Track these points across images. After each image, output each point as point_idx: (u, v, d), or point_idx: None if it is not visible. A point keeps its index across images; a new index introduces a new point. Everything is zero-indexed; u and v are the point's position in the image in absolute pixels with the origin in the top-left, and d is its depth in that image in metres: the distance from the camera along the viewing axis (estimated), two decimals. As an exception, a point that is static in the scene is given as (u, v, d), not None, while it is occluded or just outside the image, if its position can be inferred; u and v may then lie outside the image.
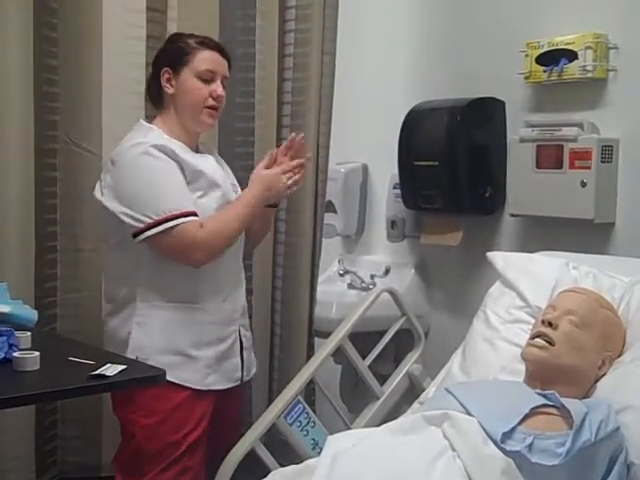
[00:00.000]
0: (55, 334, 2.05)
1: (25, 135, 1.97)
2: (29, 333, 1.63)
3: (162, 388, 1.75)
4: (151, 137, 1.86)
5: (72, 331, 2.07)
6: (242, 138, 2.38)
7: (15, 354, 1.50)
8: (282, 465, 1.77)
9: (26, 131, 1.97)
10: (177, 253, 1.84)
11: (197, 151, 1.99)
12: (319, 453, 1.63)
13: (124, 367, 1.50)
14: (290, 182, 1.96)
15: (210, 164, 1.95)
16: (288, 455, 1.87)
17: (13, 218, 1.96)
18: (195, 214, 1.83)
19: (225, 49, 1.98)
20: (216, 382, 1.92)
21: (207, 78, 1.91)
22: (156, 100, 1.97)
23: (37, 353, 1.51)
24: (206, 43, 1.94)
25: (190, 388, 1.86)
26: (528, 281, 1.95)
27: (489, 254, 2.11)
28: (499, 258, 2.07)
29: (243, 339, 2.00)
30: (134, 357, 1.81)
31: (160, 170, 1.82)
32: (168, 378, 1.74)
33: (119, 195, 1.82)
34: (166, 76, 1.92)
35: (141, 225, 1.79)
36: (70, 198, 2.08)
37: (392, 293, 2.18)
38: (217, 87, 1.92)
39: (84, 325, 2.09)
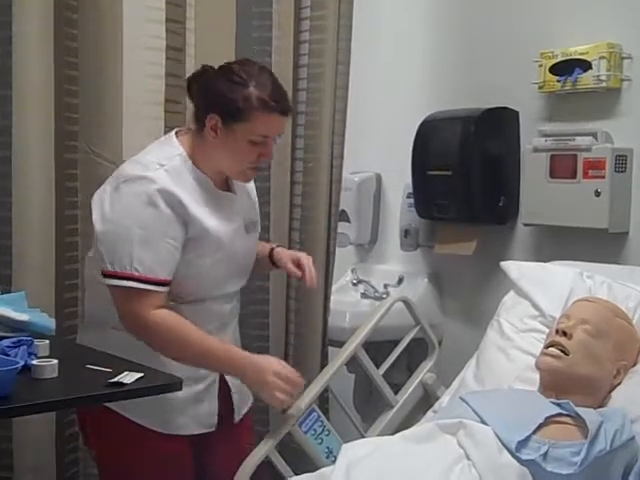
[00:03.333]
0: (73, 342, 2.06)
1: (46, 146, 1.99)
2: (47, 341, 1.64)
3: (128, 429, 1.71)
4: (171, 166, 1.67)
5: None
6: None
7: (34, 362, 1.52)
8: (296, 473, 1.77)
9: (47, 142, 1.99)
10: (120, 312, 1.68)
11: (225, 181, 1.79)
12: (333, 462, 1.64)
13: (141, 375, 1.51)
14: (281, 396, 1.72)
15: (225, 211, 1.74)
16: (302, 463, 1.88)
17: (34, 229, 1.97)
18: (165, 284, 1.66)
19: (289, 106, 1.73)
20: (184, 426, 1.76)
21: (259, 141, 1.69)
22: (196, 127, 1.75)
23: (55, 361, 1.51)
24: (270, 106, 1.66)
25: (153, 430, 1.74)
26: (542, 291, 1.95)
27: (503, 264, 2.11)
28: (513, 268, 2.08)
29: (229, 381, 1.82)
30: None
31: (153, 225, 1.64)
32: (132, 418, 1.71)
33: (105, 225, 1.67)
34: (212, 122, 1.68)
35: (109, 268, 1.65)
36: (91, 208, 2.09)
37: (406, 302, 2.18)
38: (267, 151, 1.71)
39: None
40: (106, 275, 1.66)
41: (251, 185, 1.90)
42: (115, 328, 1.73)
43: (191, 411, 1.77)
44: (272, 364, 1.73)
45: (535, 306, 1.94)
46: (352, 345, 2.03)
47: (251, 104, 1.66)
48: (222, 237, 1.72)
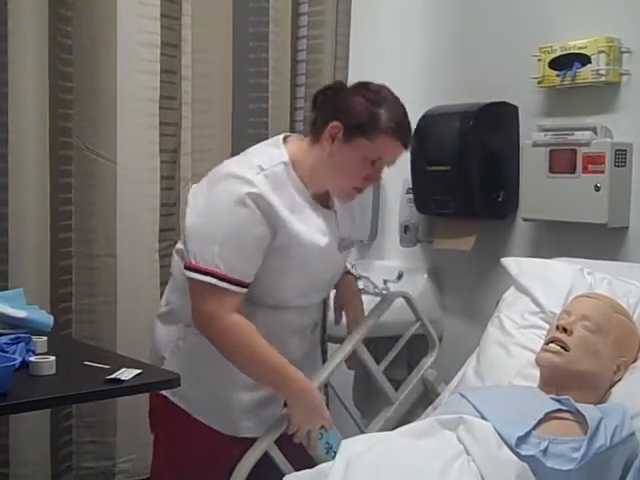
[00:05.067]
0: (71, 339, 2.06)
1: (40, 142, 1.99)
2: (45, 338, 1.64)
3: (195, 427, 1.74)
4: (272, 171, 1.65)
5: (87, 337, 2.08)
6: (255, 144, 2.38)
7: (31, 359, 1.51)
8: (295, 468, 1.76)
9: (41, 138, 1.99)
10: (195, 308, 1.67)
11: (327, 195, 1.77)
12: (333, 457, 1.63)
13: (139, 371, 1.51)
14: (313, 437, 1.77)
15: (318, 225, 1.72)
16: (302, 458, 1.86)
17: (29, 225, 1.98)
18: (243, 285, 1.65)
19: (410, 141, 1.74)
20: (250, 429, 1.77)
21: (373, 161, 1.70)
22: (311, 138, 1.74)
23: (53, 358, 1.52)
24: (395, 132, 1.68)
25: (221, 433, 1.76)
26: (543, 287, 1.94)
27: (503, 260, 2.11)
28: (513, 264, 2.07)
29: None
30: None
31: (241, 225, 1.63)
32: (198, 417, 1.74)
33: (196, 218, 1.67)
34: (334, 130, 1.67)
35: (192, 261, 1.64)
36: (85, 204, 2.09)
37: (407, 298, 2.17)
38: (377, 175, 1.72)
39: (99, 330, 2.10)
40: (188, 268, 1.66)
41: (357, 202, 1.86)
42: (188, 326, 1.74)
43: (257, 415, 1.78)
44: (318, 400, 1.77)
45: (535, 302, 1.93)
46: (352, 340, 2.02)
47: (379, 124, 1.67)
48: (311, 249, 1.70)
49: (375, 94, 1.72)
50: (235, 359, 1.68)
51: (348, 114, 1.67)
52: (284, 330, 1.78)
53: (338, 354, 2.00)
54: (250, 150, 1.76)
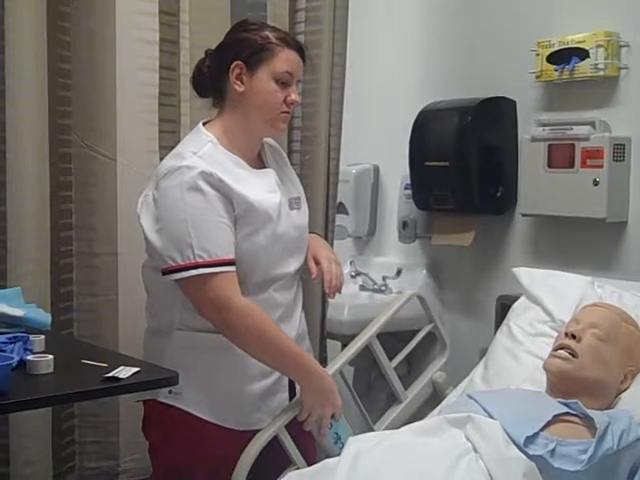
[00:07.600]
0: (68, 337, 2.05)
1: (40, 140, 1.97)
2: (43, 336, 1.64)
3: (202, 428, 1.72)
4: (204, 152, 1.70)
5: (89, 335, 2.07)
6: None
7: (29, 357, 1.51)
8: (302, 453, 1.77)
9: (41, 136, 1.97)
10: (201, 302, 1.68)
11: (259, 159, 1.83)
12: (340, 448, 1.65)
13: (137, 369, 1.50)
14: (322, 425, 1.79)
15: (265, 186, 1.77)
16: (308, 448, 1.85)
17: (28, 223, 1.96)
18: (230, 263, 1.67)
19: (304, 48, 1.81)
20: (259, 422, 1.76)
21: (284, 81, 1.74)
22: (215, 95, 1.80)
23: (51, 356, 1.51)
24: (287, 41, 1.76)
25: (230, 428, 1.74)
26: (553, 296, 1.96)
27: (514, 270, 2.11)
28: (525, 274, 2.08)
29: None
30: (167, 390, 1.71)
31: (202, 209, 1.66)
32: (206, 417, 1.72)
33: (157, 225, 1.69)
34: (237, 71, 1.73)
35: (172, 264, 1.66)
36: (85, 202, 2.08)
37: (421, 298, 2.17)
38: (293, 92, 1.75)
39: (101, 329, 2.09)
40: (171, 271, 1.66)
41: (286, 161, 1.93)
42: (180, 329, 1.75)
43: (264, 405, 1.78)
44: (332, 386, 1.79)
45: (545, 311, 1.94)
46: (366, 335, 2.00)
47: (271, 40, 1.74)
48: (268, 210, 1.74)
49: (253, 22, 1.82)
50: (249, 344, 1.69)
51: (242, 48, 1.74)
52: (272, 312, 1.76)
53: (352, 346, 1.99)
54: (177, 146, 1.81)
